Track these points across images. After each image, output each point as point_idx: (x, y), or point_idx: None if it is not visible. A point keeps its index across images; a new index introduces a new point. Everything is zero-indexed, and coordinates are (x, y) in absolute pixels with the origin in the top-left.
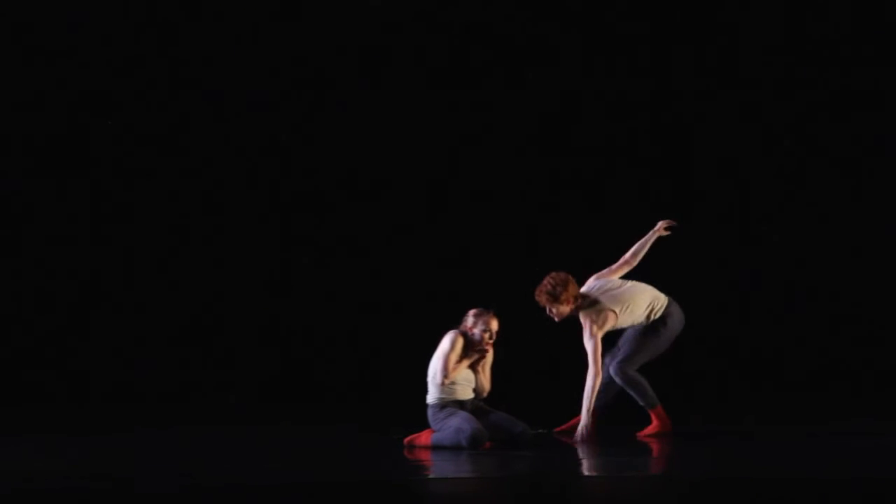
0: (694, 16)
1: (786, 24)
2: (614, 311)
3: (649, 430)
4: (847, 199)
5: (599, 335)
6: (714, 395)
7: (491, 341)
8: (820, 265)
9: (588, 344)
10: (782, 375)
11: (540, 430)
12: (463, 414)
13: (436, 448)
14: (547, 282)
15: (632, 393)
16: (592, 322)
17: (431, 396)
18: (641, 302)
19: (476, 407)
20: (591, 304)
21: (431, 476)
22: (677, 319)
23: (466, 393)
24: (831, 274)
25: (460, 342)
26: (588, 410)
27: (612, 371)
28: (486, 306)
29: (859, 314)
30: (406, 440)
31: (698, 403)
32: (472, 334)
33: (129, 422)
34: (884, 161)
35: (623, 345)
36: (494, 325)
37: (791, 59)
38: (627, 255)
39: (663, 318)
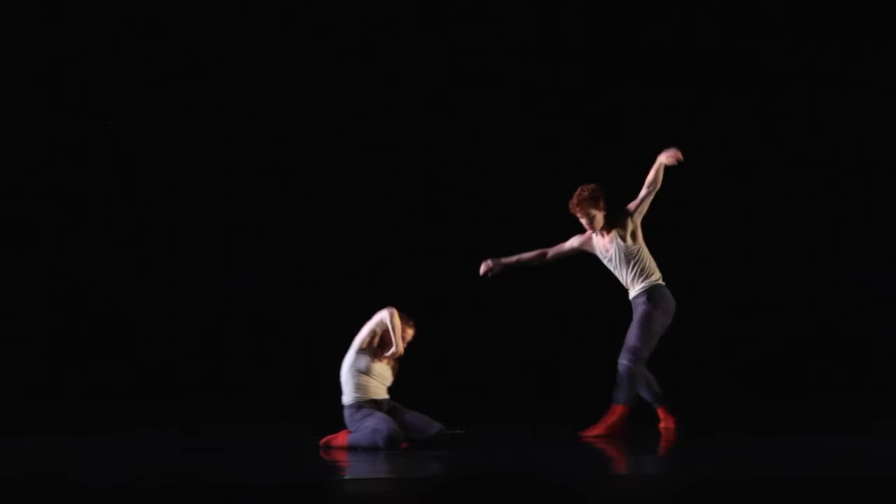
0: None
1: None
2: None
3: (594, 430)
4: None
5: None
6: (709, 396)
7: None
8: (819, 268)
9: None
10: (781, 376)
11: (457, 431)
12: (379, 415)
13: (352, 449)
14: (581, 189)
15: (624, 385)
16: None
17: (347, 397)
18: (650, 258)
19: (392, 407)
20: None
21: (347, 477)
22: (671, 304)
23: (381, 392)
24: (831, 276)
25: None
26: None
27: (623, 361)
28: (409, 313)
29: (858, 316)
30: (322, 441)
31: (695, 403)
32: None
33: (130, 422)
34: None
35: (628, 338)
36: (409, 333)
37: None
38: (643, 188)
39: (658, 299)
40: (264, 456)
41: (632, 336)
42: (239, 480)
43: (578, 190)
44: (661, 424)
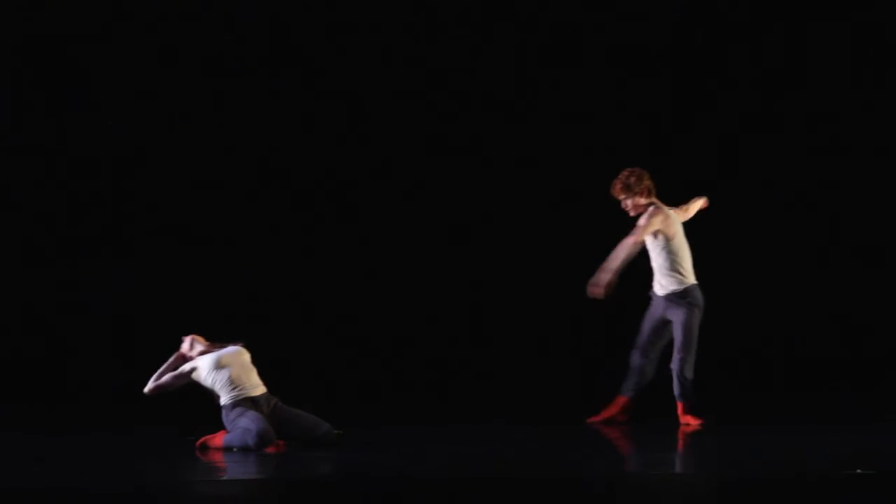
0: None
1: None
2: (673, 230)
3: (691, 422)
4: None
5: (650, 225)
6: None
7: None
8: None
9: (638, 230)
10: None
11: (338, 431)
12: (252, 414)
13: (227, 449)
14: (622, 175)
15: (678, 385)
16: (650, 215)
17: (223, 398)
18: (688, 256)
19: (275, 406)
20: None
21: (224, 478)
22: (702, 303)
23: (254, 384)
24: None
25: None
26: (612, 268)
27: (674, 366)
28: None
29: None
30: (199, 442)
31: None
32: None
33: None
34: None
35: (675, 342)
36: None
37: None
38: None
39: (694, 301)
40: (136, 456)
41: (678, 341)
42: (101, 481)
43: (622, 173)
44: (607, 414)
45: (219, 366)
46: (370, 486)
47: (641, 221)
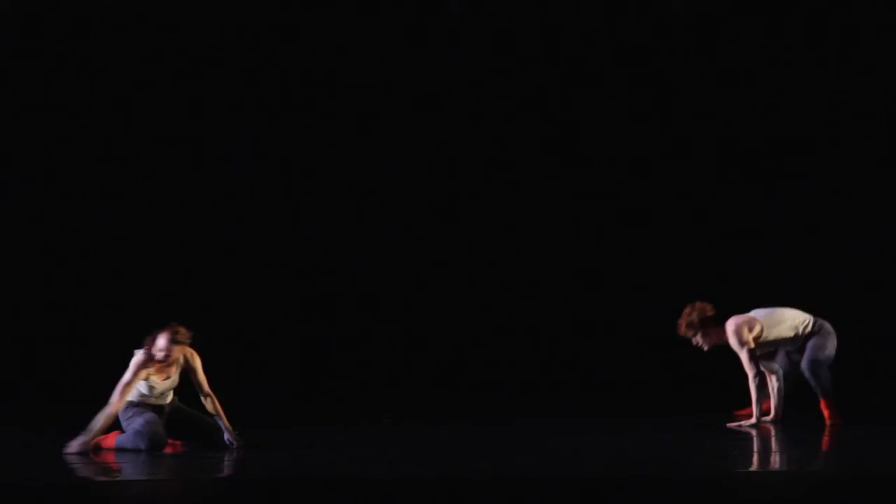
0: None
1: None
2: (759, 321)
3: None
4: None
5: (749, 339)
6: None
7: (164, 358)
8: None
9: (741, 352)
10: None
11: (236, 432)
12: (148, 415)
13: (119, 450)
14: (685, 314)
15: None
16: (740, 326)
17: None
18: (787, 318)
19: (175, 408)
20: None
21: (120, 479)
22: (831, 332)
23: (161, 400)
24: None
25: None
26: (754, 407)
27: (803, 367)
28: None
29: None
30: (92, 442)
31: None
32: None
33: None
34: None
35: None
36: (160, 342)
37: None
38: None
39: (815, 331)
40: (27, 456)
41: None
42: None
43: (687, 309)
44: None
45: (140, 399)
46: (264, 486)
47: (735, 346)
